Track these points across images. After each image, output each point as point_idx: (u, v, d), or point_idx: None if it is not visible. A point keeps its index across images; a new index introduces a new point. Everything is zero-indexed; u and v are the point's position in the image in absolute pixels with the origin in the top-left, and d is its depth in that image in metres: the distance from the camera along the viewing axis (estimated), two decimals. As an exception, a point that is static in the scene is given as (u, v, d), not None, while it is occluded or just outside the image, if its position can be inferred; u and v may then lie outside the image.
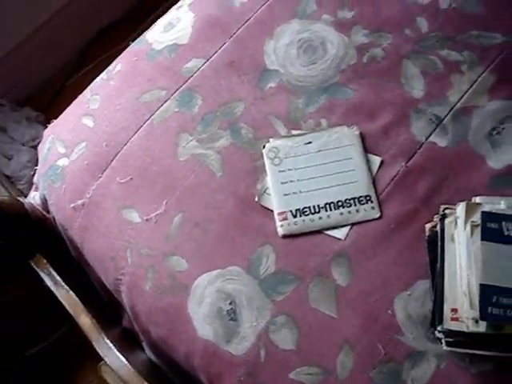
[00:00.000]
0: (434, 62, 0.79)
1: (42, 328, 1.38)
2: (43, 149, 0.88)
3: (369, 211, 0.72)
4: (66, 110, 0.90)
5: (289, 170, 0.75)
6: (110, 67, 0.90)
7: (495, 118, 0.75)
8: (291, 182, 0.74)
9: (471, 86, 0.77)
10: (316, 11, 0.84)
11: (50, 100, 1.72)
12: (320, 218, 0.72)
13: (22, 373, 1.39)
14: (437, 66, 0.79)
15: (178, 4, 0.93)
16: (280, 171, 0.75)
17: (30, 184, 1.02)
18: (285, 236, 0.71)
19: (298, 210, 0.73)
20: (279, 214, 0.73)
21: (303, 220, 0.72)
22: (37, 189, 0.92)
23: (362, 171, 0.74)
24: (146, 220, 0.76)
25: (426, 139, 0.75)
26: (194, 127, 0.79)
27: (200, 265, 0.72)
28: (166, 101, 0.82)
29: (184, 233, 0.74)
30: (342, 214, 0.72)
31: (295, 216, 0.72)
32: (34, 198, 0.94)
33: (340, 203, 0.73)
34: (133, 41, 0.91)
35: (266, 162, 0.75)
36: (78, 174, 0.81)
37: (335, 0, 0.84)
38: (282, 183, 0.74)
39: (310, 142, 0.76)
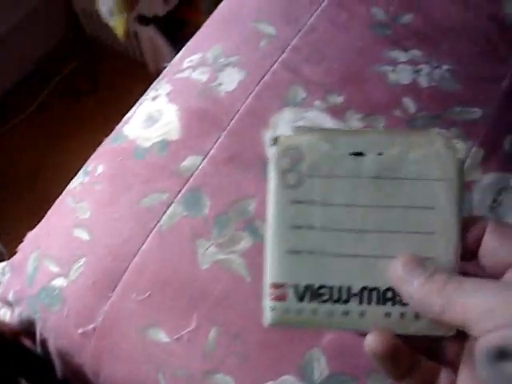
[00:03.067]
0: (427, 140, 0.82)
1: None
2: (25, 267, 0.79)
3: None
4: (46, 221, 0.82)
5: (310, 202, 0.39)
6: (88, 168, 0.84)
7: (493, 191, 0.80)
8: (309, 229, 0.39)
9: (465, 161, 0.81)
10: (306, 98, 0.84)
11: None
12: (346, 313, 0.38)
13: None
14: (429, 143, 0.82)
15: (151, 94, 0.88)
16: (294, 202, 0.39)
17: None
18: (272, 326, 0.40)
19: (309, 288, 0.38)
20: (273, 286, 0.39)
21: (314, 309, 0.38)
22: (9, 307, 0.83)
23: (448, 237, 0.38)
24: (177, 339, 0.71)
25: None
26: (209, 231, 0.75)
27: (249, 380, 0.68)
28: (170, 204, 0.77)
29: (223, 347, 0.70)
30: (388, 314, 0.38)
31: (301, 297, 0.38)
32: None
33: (392, 293, 0.38)
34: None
35: (272, 177, 0.39)
36: (83, 294, 0.74)
37: (323, 86, 0.85)
38: (292, 228, 0.39)
39: (361, 154, 0.38)
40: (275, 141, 0.39)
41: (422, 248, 0.38)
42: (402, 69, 0.87)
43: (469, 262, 0.37)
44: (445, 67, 0.88)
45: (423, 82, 0.86)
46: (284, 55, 0.88)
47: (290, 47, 0.89)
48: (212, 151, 0.80)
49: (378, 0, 0.94)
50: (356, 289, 0.38)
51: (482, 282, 0.33)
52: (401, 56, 0.88)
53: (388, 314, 0.38)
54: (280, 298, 0.39)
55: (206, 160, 0.80)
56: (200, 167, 0.79)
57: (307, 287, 0.39)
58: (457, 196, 0.38)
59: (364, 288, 0.38)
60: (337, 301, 0.38)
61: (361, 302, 0.38)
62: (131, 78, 1.52)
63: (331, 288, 0.38)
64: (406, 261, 0.37)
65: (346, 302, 0.38)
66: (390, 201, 0.38)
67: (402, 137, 0.39)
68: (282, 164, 0.38)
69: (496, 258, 0.35)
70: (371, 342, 0.36)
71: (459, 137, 0.82)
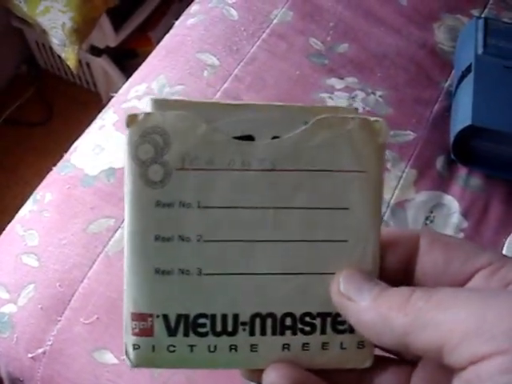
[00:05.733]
0: (363, 162, 0.87)
1: None
2: (-26, 295, 0.80)
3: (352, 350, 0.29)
4: (-5, 249, 0.83)
5: (182, 205, 0.28)
6: (37, 197, 0.85)
7: (425, 208, 0.85)
8: (182, 241, 0.28)
9: (398, 182, 0.86)
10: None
11: None
12: (233, 347, 0.29)
13: None
14: (365, 165, 0.87)
15: (98, 123, 0.91)
16: (159, 205, 0.28)
17: None
18: (136, 367, 0.31)
19: (183, 318, 0.29)
20: (136, 317, 0.29)
21: (190, 346, 0.29)
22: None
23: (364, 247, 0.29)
24: (124, 360, 0.72)
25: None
26: (156, 254, 0.78)
27: (194, 397, 0.71)
28: (117, 230, 0.79)
29: (170, 366, 0.72)
30: (287, 346, 0.29)
31: (172, 331, 0.29)
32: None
33: (292, 320, 0.29)
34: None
35: (128, 171, 0.28)
36: (32, 320, 0.75)
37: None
38: (159, 240, 0.28)
39: (250, 138, 0.28)
40: (131, 121, 0.27)
41: (332, 261, 0.29)
42: (339, 95, 0.92)
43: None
44: (379, 93, 0.93)
45: (358, 107, 0.91)
46: (226, 84, 0.92)
47: (232, 76, 0.93)
48: (157, 177, 0.83)
49: (315, 31, 0.99)
50: (245, 316, 0.29)
51: (456, 292, 0.24)
52: (337, 83, 0.93)
53: (287, 346, 0.29)
54: (145, 332, 0.29)
55: (151, 186, 0.83)
56: (146, 193, 0.82)
57: (180, 317, 0.29)
58: (375, 193, 0.29)
59: (256, 315, 0.29)
60: (221, 333, 0.29)
61: (252, 333, 0.29)
62: (84, 107, 1.55)
63: (213, 317, 0.29)
64: (349, 274, 0.28)
65: (233, 333, 0.29)
66: (289, 201, 0.28)
67: (304, 114, 0.28)
68: (141, 153, 0.27)
69: (445, 273, 0.27)
70: (273, 378, 0.28)
71: (393, 159, 0.87)
